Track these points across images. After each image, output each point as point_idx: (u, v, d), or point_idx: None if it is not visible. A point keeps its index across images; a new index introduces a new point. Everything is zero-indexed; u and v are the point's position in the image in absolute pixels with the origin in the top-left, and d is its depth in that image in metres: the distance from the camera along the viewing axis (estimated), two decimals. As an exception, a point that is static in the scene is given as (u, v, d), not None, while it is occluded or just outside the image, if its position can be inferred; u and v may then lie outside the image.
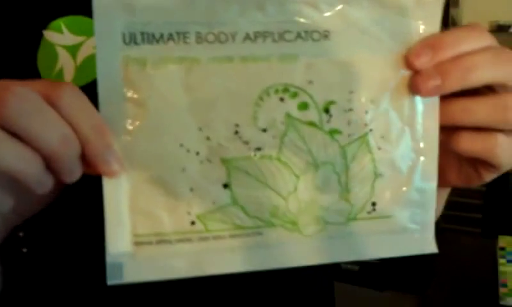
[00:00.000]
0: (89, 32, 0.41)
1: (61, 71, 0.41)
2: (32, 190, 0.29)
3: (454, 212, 2.43)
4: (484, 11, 2.34)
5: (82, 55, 0.41)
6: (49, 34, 0.40)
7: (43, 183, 0.30)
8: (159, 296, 0.43)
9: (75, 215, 0.39)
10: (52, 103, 0.28)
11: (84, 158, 0.30)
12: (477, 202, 2.38)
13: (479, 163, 0.35)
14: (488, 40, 0.34)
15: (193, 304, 0.44)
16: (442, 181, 0.37)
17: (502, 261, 1.25)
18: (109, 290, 0.32)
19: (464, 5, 2.34)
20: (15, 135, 0.28)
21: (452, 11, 2.33)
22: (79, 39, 0.41)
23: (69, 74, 0.41)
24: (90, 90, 0.31)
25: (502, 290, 1.20)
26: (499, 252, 1.27)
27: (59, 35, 0.41)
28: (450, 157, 0.36)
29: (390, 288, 2.51)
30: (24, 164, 0.28)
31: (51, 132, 0.28)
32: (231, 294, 0.45)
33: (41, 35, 0.40)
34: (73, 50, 0.41)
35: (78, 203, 0.37)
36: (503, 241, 1.29)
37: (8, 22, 0.41)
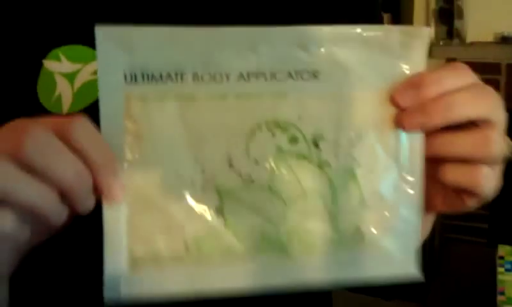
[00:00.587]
0: (85, 60, 0.43)
1: (59, 97, 0.43)
2: (49, 222, 0.31)
3: (459, 221, 2.44)
4: (488, 22, 2.35)
5: (79, 81, 0.43)
6: (48, 63, 0.43)
7: (59, 215, 0.31)
8: None
9: (75, 237, 0.39)
10: (65, 139, 0.30)
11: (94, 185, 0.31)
12: (482, 212, 2.39)
13: (463, 192, 0.36)
14: (470, 78, 0.36)
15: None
16: (427, 208, 0.38)
17: (500, 270, 1.26)
18: None
19: (468, 17, 2.36)
20: (31, 172, 0.30)
21: (457, 22, 2.35)
22: (76, 66, 0.43)
23: (67, 100, 0.43)
24: (87, 113, 0.33)
25: (499, 298, 1.21)
26: (498, 261, 1.28)
27: (58, 63, 0.43)
28: (436, 185, 0.37)
29: (397, 296, 2.52)
30: (42, 198, 0.30)
31: (65, 168, 0.30)
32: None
33: (41, 64, 0.43)
34: (70, 77, 0.43)
35: (78, 227, 0.38)
36: (502, 250, 1.30)
37: (10, 52, 0.43)
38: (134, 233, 0.33)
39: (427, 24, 2.45)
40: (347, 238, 0.35)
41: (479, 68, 1.97)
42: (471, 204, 0.37)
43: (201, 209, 0.33)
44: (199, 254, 0.34)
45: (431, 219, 0.45)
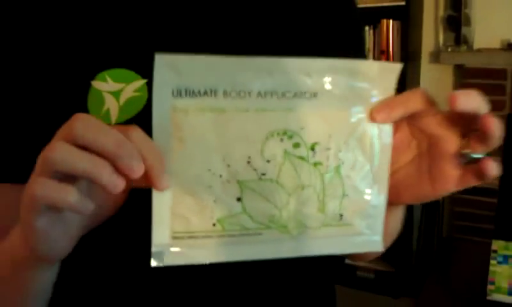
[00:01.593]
0: (127, 80, 0.50)
1: (108, 111, 0.50)
2: (108, 189, 0.37)
3: (466, 222, 2.50)
4: (495, 29, 2.38)
5: (123, 98, 0.50)
6: (96, 83, 0.50)
7: (114, 182, 0.37)
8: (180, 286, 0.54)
9: (128, 220, 0.48)
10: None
11: (146, 176, 0.39)
12: (488, 213, 2.45)
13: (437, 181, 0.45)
14: (427, 96, 0.44)
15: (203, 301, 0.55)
16: (396, 200, 0.48)
17: (493, 262, 1.36)
18: (149, 275, 0.43)
19: (476, 24, 2.39)
20: (85, 148, 0.37)
21: (464, 29, 2.38)
22: (120, 86, 0.50)
23: (114, 113, 0.50)
24: (132, 123, 0.41)
25: (489, 287, 1.30)
26: (492, 255, 1.37)
27: (105, 83, 0.50)
28: (406, 182, 0.47)
29: (403, 295, 2.59)
30: (96, 167, 0.36)
31: (109, 141, 0.37)
32: (236, 296, 0.56)
33: (90, 84, 0.50)
34: (116, 94, 0.50)
35: (130, 211, 0.45)
36: (495, 244, 1.39)
37: (64, 74, 0.51)
38: (174, 214, 0.42)
39: (436, 31, 2.51)
40: (332, 220, 0.45)
41: (485, 73, 2.07)
42: (440, 193, 0.45)
43: (226, 197, 0.43)
44: (223, 231, 0.43)
45: (399, 212, 0.55)
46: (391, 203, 0.47)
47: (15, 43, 0.51)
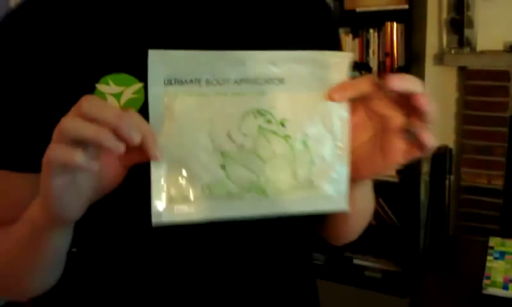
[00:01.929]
0: (127, 84, 0.57)
1: None
2: (111, 150, 0.44)
3: (472, 222, 2.53)
4: (498, 31, 2.42)
5: (123, 99, 0.57)
6: (100, 86, 0.57)
7: (117, 145, 0.44)
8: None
9: (132, 188, 0.54)
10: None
11: (142, 150, 0.46)
12: (494, 214, 2.48)
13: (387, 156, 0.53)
14: (375, 81, 0.51)
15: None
16: (357, 175, 0.55)
17: (489, 258, 1.41)
18: (152, 234, 0.50)
19: (478, 26, 2.43)
20: (92, 121, 0.44)
21: (467, 32, 2.43)
22: (120, 89, 0.57)
23: None
24: None
25: (485, 281, 1.35)
26: (488, 251, 1.42)
27: (107, 86, 0.57)
28: (364, 157, 0.54)
29: (409, 294, 2.62)
30: (101, 133, 0.44)
31: (111, 114, 0.44)
32: (223, 286, 0.63)
33: (95, 87, 0.57)
34: (117, 96, 0.57)
35: (135, 181, 0.53)
36: (492, 241, 1.44)
37: (71, 77, 0.58)
38: (169, 180, 0.49)
39: (440, 33, 2.55)
40: (302, 185, 0.52)
41: (488, 75, 2.12)
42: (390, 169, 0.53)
43: (212, 165, 0.50)
44: (211, 195, 0.50)
45: (365, 188, 0.63)
46: (353, 179, 0.54)
47: (30, 51, 0.58)
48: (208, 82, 0.50)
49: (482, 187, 2.48)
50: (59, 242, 0.55)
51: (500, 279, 1.37)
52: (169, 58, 0.49)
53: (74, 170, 0.46)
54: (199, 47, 0.51)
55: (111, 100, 0.57)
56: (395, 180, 2.57)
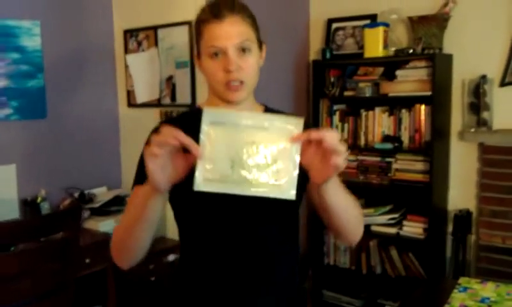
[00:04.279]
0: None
1: None
2: (188, 147, 0.98)
3: (491, 277, 2.82)
4: (511, 113, 2.83)
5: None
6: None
7: (174, 139, 0.97)
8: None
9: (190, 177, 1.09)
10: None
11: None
12: (507, 270, 2.78)
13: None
14: (332, 132, 1.04)
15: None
16: (313, 179, 1.07)
17: (454, 291, 1.80)
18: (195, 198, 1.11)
19: (493, 109, 2.82)
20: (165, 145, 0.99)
21: (485, 114, 2.80)
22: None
23: None
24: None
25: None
26: (456, 287, 1.84)
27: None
28: (313, 168, 1.05)
29: None
30: (175, 140, 0.97)
31: (172, 135, 0.97)
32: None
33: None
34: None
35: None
36: (462, 281, 1.87)
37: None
38: (206, 170, 1.04)
39: (463, 114, 2.96)
40: (272, 181, 1.05)
41: (503, 151, 2.69)
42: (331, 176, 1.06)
43: (226, 166, 1.05)
44: (224, 181, 1.05)
45: (335, 189, 1.14)
46: (316, 183, 1.08)
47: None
48: (229, 124, 1.04)
49: (497, 246, 2.84)
50: (156, 205, 1.10)
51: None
52: (212, 113, 1.05)
53: (159, 158, 1.01)
54: None
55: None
56: (422, 237, 2.98)
